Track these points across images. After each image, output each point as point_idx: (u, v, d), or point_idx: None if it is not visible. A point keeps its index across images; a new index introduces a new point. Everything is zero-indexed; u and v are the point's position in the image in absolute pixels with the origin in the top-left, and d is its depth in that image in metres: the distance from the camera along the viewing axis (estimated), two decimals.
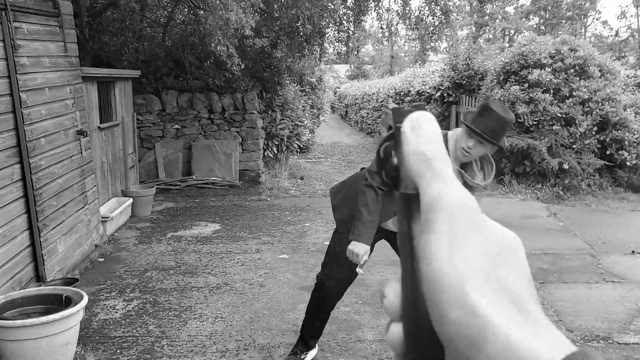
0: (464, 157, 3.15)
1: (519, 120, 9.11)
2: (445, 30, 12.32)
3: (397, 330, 0.39)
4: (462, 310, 0.33)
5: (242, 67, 7.78)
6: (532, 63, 9.43)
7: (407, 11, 12.34)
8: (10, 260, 4.40)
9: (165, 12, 11.18)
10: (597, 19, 47.49)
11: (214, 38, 6.96)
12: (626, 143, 9.07)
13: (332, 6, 9.13)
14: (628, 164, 9.09)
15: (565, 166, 8.86)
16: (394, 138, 0.41)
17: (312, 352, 3.88)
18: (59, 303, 3.81)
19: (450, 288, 0.33)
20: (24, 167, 4.64)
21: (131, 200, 7.48)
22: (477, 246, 0.35)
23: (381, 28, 13.83)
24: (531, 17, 38.09)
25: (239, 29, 6.94)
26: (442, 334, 0.34)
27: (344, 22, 11.54)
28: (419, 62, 19.59)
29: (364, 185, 3.18)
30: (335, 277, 3.58)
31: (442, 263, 0.34)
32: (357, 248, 3.14)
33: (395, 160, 0.41)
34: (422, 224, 0.37)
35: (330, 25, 11.13)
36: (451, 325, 0.33)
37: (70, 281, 4.78)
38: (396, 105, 0.41)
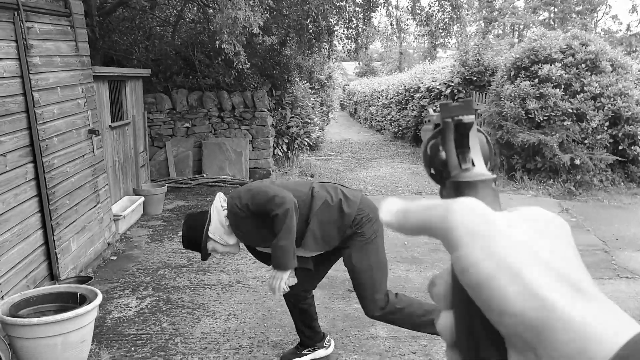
0: None
1: (530, 116, 9.06)
2: (456, 26, 12.26)
3: (447, 319, 0.39)
4: (521, 299, 0.33)
5: (248, 65, 7.78)
6: (542, 58, 9.37)
7: (417, 7, 12.30)
8: (25, 259, 4.43)
9: (175, 11, 11.21)
10: (607, 13, 47.19)
11: (222, 36, 6.97)
12: (639, 138, 9.00)
13: (342, 3, 9.12)
14: None
15: (577, 162, 8.81)
16: (442, 134, 0.42)
17: (321, 352, 3.87)
18: (73, 301, 3.83)
19: (502, 282, 0.33)
20: (37, 166, 4.67)
21: (143, 198, 7.51)
22: (511, 236, 0.35)
23: (391, 25, 13.80)
24: (540, 12, 37.89)
25: (247, 27, 6.95)
26: (503, 325, 0.34)
27: (353, 19, 11.52)
28: (429, 58, 19.55)
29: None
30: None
31: (484, 266, 0.34)
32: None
33: (443, 154, 0.42)
34: (446, 248, 0.37)
35: (339, 22, 11.12)
36: (513, 317, 0.33)
37: (83, 279, 4.81)
38: (443, 102, 0.42)
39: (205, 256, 3.33)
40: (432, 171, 0.43)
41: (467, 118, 0.41)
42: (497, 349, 0.35)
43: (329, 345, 3.91)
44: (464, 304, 0.37)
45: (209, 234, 3.23)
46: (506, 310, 0.33)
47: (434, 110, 0.45)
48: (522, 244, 0.35)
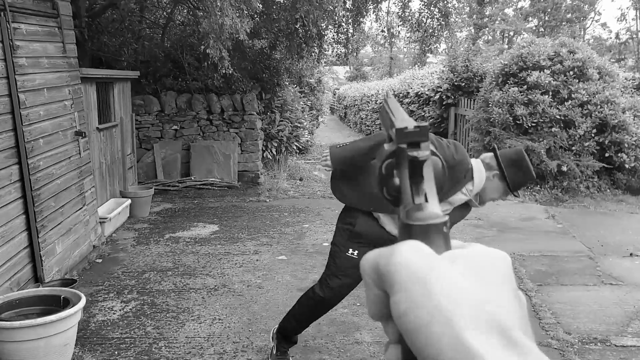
0: (486, 201, 3.28)
1: (518, 122, 9.11)
2: (445, 32, 12.31)
3: (395, 351, 0.39)
4: (452, 349, 0.33)
5: (231, 71, 7.78)
6: (531, 65, 9.43)
7: (407, 13, 12.34)
8: (9, 261, 4.39)
9: (165, 13, 11.18)
10: (597, 21, 47.56)
11: (207, 41, 6.98)
12: (625, 145, 9.08)
13: (331, 8, 9.13)
14: (627, 166, 9.10)
15: (564, 168, 8.87)
16: (396, 158, 0.42)
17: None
18: (57, 304, 3.80)
19: (435, 330, 0.33)
20: (22, 168, 4.64)
21: (129, 201, 7.47)
22: (451, 283, 0.35)
23: (382, 31, 13.83)
24: (530, 19, 38.11)
25: (234, 34, 6.94)
26: None
27: (342, 23, 11.54)
28: (418, 64, 19.60)
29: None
30: (338, 289, 3.55)
31: (419, 312, 0.34)
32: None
33: (397, 180, 0.42)
34: (388, 291, 0.37)
35: (329, 27, 11.13)
36: None
37: (68, 282, 4.78)
38: (399, 127, 0.42)
39: None
40: (385, 194, 0.43)
41: (422, 154, 0.41)
42: None
43: None
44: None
45: None
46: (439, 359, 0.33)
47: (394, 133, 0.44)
48: (459, 290, 0.35)
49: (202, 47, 7.19)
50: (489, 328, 0.33)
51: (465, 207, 3.28)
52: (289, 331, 3.75)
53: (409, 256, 0.36)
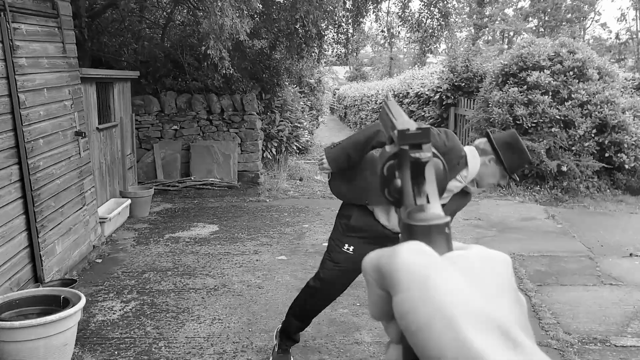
0: (485, 187, 3.29)
1: (518, 122, 9.11)
2: (445, 33, 12.31)
3: (395, 352, 0.39)
4: (455, 349, 0.33)
5: (231, 71, 7.78)
6: (531, 65, 9.43)
7: (406, 13, 12.34)
8: (9, 261, 4.40)
9: (165, 13, 11.18)
10: (597, 22, 47.57)
11: (208, 42, 6.97)
12: (625, 146, 9.08)
13: (331, 8, 9.14)
14: (626, 166, 9.10)
15: (564, 168, 8.87)
16: (398, 160, 0.42)
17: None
18: (57, 304, 3.80)
19: (437, 329, 0.33)
20: (22, 168, 4.64)
21: (129, 201, 7.48)
22: (452, 284, 0.35)
23: (382, 31, 13.83)
24: (530, 19, 38.13)
25: (234, 34, 6.94)
26: None
27: (342, 24, 11.54)
28: (418, 64, 19.60)
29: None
30: (330, 280, 3.58)
31: (422, 312, 0.34)
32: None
33: (398, 182, 0.42)
34: (390, 291, 0.37)
35: (329, 27, 11.14)
36: None
37: (68, 282, 4.78)
38: (401, 129, 0.42)
39: None
40: (387, 195, 0.43)
41: (424, 155, 0.42)
42: None
43: None
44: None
45: None
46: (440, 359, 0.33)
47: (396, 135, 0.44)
48: (460, 291, 0.35)
49: (203, 47, 7.19)
50: (491, 328, 0.34)
51: (464, 195, 3.29)
52: (291, 329, 3.77)
53: (410, 257, 0.36)
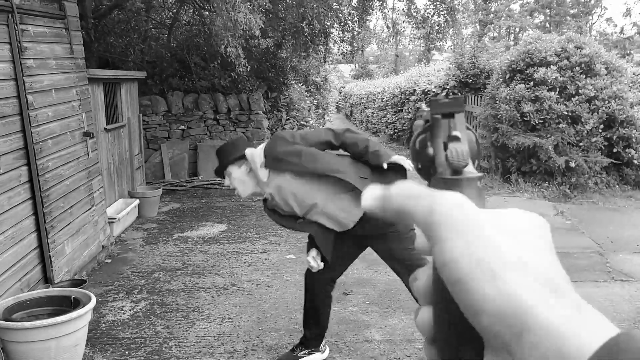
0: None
1: (525, 118, 9.08)
2: (451, 29, 12.29)
3: (426, 314, 0.39)
4: (499, 299, 0.32)
5: (247, 68, 7.78)
6: (537, 61, 9.38)
7: (412, 10, 12.32)
8: (19, 262, 4.41)
9: (170, 13, 11.20)
10: (602, 16, 47.35)
11: (223, 39, 6.95)
12: (633, 141, 9.02)
13: (337, 6, 9.13)
14: (635, 162, 9.04)
15: (572, 164, 8.82)
16: (430, 129, 0.42)
17: (317, 356, 3.86)
18: (67, 304, 3.81)
19: (480, 281, 0.33)
20: (31, 169, 4.65)
21: (138, 201, 7.49)
22: (493, 236, 0.35)
23: (387, 27, 13.81)
24: (536, 14, 37.98)
25: (247, 30, 6.94)
26: (480, 324, 0.34)
27: (348, 22, 11.53)
28: (424, 61, 19.57)
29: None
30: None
31: (463, 263, 0.34)
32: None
33: (431, 150, 0.42)
34: (428, 240, 0.37)
35: (335, 25, 11.13)
36: (490, 316, 0.33)
37: (78, 282, 4.79)
38: (433, 98, 0.42)
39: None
40: (420, 166, 0.43)
41: (457, 116, 0.41)
42: (474, 347, 0.35)
43: (325, 350, 3.91)
44: (445, 301, 0.36)
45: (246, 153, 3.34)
46: (483, 310, 0.33)
47: (426, 105, 0.45)
48: (502, 244, 0.35)
49: (222, 45, 7.14)
50: (537, 280, 0.33)
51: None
52: (310, 331, 3.82)
53: (452, 207, 0.36)
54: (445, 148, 0.41)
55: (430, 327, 0.39)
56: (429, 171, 0.43)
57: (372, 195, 0.40)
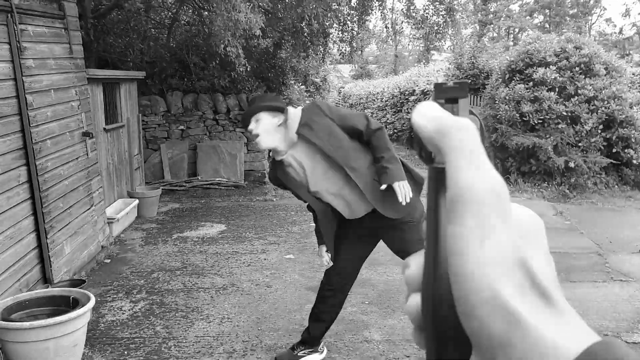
0: None
1: (524, 119, 9.08)
2: (450, 29, 12.29)
3: (415, 301, 0.39)
4: (490, 307, 0.32)
5: (247, 68, 7.78)
6: (537, 61, 9.39)
7: (411, 10, 12.32)
8: (18, 262, 4.41)
9: (170, 13, 11.19)
10: (601, 17, 47.36)
11: (223, 39, 6.95)
12: (632, 141, 9.03)
13: (337, 6, 9.13)
14: (634, 162, 9.05)
15: (571, 165, 8.83)
16: None
17: (316, 356, 3.86)
18: (66, 304, 3.81)
19: (479, 287, 0.33)
20: (30, 169, 4.65)
21: (137, 201, 7.49)
22: (505, 238, 0.34)
23: (386, 27, 13.81)
24: (535, 15, 37.98)
25: (247, 30, 6.94)
26: (469, 327, 0.34)
27: (347, 22, 11.53)
28: (423, 61, 19.56)
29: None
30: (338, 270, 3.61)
31: (471, 260, 0.34)
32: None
33: None
34: (449, 212, 0.36)
35: (334, 25, 11.13)
36: (479, 320, 0.33)
37: (77, 282, 4.79)
38: (437, 83, 0.41)
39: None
40: (422, 153, 0.42)
41: (461, 101, 0.41)
42: (462, 331, 0.35)
43: (323, 350, 3.91)
44: (433, 293, 0.37)
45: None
46: (472, 314, 0.33)
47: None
48: (497, 242, 0.34)
49: (222, 45, 7.14)
50: (526, 286, 0.33)
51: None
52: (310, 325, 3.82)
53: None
54: None
55: (418, 314, 0.39)
56: (430, 157, 0.42)
57: (427, 115, 0.38)
